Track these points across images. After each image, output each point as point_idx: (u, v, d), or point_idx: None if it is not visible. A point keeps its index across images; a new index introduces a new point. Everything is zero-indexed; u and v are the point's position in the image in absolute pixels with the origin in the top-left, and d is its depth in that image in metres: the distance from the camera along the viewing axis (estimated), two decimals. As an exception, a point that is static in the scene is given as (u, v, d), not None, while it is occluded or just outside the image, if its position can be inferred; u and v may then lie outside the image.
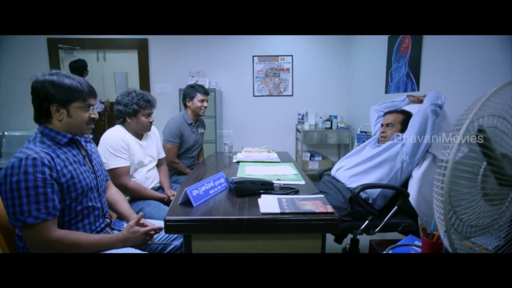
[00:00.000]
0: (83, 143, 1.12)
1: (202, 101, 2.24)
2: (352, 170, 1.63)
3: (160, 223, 1.06)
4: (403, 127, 1.62)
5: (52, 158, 0.94)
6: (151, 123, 1.68)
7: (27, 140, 0.98)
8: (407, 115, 1.66)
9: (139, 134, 1.69)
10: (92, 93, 1.04)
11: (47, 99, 0.96)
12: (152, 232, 1.13)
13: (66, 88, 0.98)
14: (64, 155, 1.00)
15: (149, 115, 1.66)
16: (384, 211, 1.43)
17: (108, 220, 1.18)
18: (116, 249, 1.04)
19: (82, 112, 1.02)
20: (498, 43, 1.53)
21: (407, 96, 1.81)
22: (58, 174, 0.94)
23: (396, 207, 1.39)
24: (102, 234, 1.01)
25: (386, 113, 1.78)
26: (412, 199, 1.41)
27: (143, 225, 1.14)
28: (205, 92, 2.27)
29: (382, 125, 1.73)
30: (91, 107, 1.05)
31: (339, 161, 1.83)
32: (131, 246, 1.07)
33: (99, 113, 1.85)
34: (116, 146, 1.51)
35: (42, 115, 0.99)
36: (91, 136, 1.18)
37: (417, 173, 1.48)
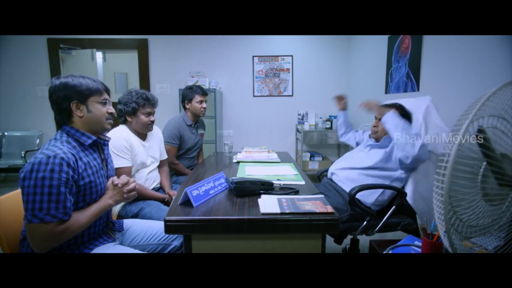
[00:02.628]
0: (103, 147, 1.13)
1: (201, 102, 2.24)
2: (349, 175, 1.60)
3: (160, 224, 1.06)
4: None
5: (76, 160, 0.95)
6: (152, 122, 1.67)
7: (53, 138, 0.99)
8: (400, 110, 1.60)
9: (142, 134, 1.69)
10: (106, 88, 1.10)
11: (66, 99, 1.00)
12: (123, 181, 1.09)
13: (82, 85, 1.02)
14: (86, 158, 1.02)
15: (149, 114, 1.65)
16: (382, 212, 1.43)
17: (111, 224, 1.18)
18: (109, 207, 1.06)
19: (100, 106, 1.06)
20: (498, 43, 1.53)
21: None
22: (78, 177, 0.96)
23: (394, 207, 1.39)
24: (93, 206, 1.01)
25: (380, 106, 1.69)
26: (409, 197, 1.41)
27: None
28: (203, 92, 2.26)
29: (375, 118, 1.70)
30: (107, 101, 1.09)
31: (333, 163, 1.80)
32: (118, 201, 1.08)
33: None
34: (119, 146, 1.51)
35: (63, 117, 1.02)
36: (109, 139, 1.18)
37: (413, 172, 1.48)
